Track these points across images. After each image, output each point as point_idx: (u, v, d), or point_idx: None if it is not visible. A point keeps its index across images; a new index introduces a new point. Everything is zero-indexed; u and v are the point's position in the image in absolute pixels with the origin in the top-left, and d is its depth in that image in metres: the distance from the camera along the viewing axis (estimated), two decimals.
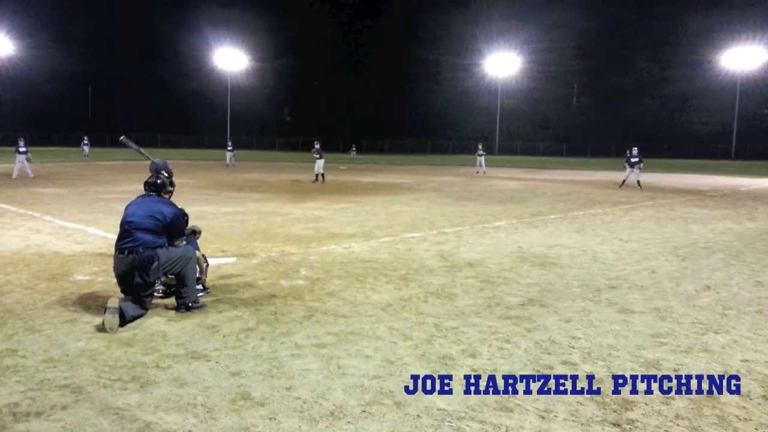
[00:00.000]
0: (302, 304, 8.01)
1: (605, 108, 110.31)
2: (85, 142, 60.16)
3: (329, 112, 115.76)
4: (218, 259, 10.75)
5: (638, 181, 30.57)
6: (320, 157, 31.68)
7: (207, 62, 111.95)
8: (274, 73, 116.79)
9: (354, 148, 75.05)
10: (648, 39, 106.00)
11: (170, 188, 7.90)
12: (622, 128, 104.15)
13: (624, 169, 32.20)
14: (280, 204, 20.58)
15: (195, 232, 8.55)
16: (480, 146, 46.60)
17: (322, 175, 31.46)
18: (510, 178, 39.44)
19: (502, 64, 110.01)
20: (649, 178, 40.81)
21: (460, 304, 8.10)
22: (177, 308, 7.54)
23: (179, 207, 7.74)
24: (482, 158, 45.63)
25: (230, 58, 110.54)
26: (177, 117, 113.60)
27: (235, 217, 17.04)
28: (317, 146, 31.96)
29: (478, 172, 44.55)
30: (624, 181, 31.49)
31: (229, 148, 49.44)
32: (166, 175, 7.82)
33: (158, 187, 7.70)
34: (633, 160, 30.92)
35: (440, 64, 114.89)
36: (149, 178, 7.76)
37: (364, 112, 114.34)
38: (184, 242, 7.84)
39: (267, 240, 13.10)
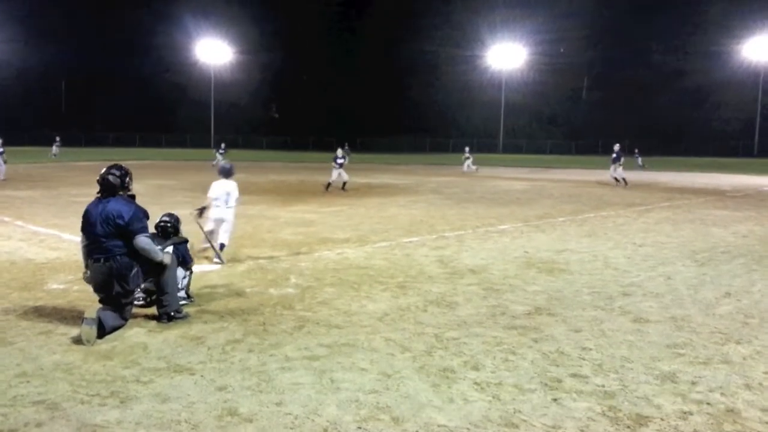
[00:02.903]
0: (292, 313, 8.04)
1: (618, 103, 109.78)
2: (57, 142, 60.52)
3: (320, 108, 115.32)
4: (202, 266, 10.78)
5: (623, 179, 32.81)
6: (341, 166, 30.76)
7: (188, 55, 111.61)
8: (261, 67, 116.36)
9: (347, 147, 75.04)
10: (664, 28, 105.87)
11: (126, 186, 7.57)
12: (636, 124, 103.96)
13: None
14: (267, 207, 20.60)
15: (187, 241, 8.62)
16: (467, 149, 47.42)
17: (333, 182, 30.08)
18: (515, 179, 39.50)
19: (507, 55, 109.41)
20: (666, 177, 40.95)
21: (462, 314, 8.14)
22: (158, 318, 7.57)
23: (139, 206, 7.47)
24: (469, 160, 46.79)
25: (213, 51, 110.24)
26: (157, 114, 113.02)
27: None
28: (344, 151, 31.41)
29: (477, 170, 45.26)
30: (623, 178, 33.25)
31: (222, 150, 49.36)
32: (117, 173, 7.50)
33: (110, 187, 7.42)
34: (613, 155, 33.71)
35: (439, 56, 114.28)
36: (99, 177, 7.50)
37: (357, 108, 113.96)
38: (169, 249, 7.89)
39: (254, 245, 13.13)
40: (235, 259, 11.58)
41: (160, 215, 8.67)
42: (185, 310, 7.85)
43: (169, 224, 8.55)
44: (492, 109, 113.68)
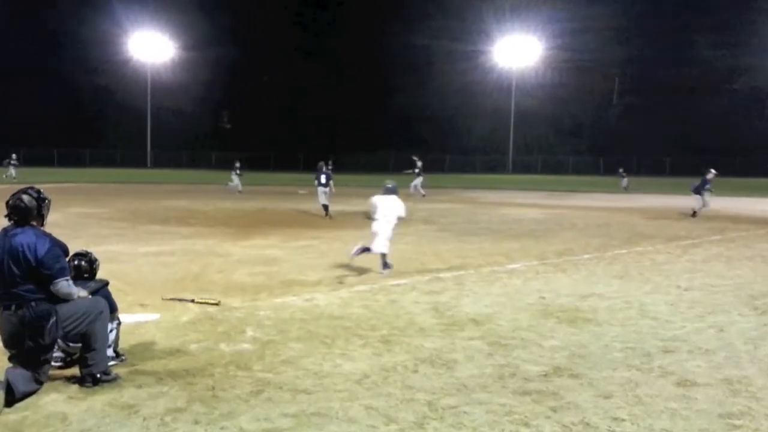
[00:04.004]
0: (249, 375, 8.04)
1: (657, 110, 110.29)
2: (13, 160, 60.24)
3: (283, 118, 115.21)
4: (136, 315, 10.75)
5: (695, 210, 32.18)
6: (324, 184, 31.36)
7: (119, 51, 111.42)
8: (210, 66, 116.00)
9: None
10: (714, 16, 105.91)
11: (42, 215, 7.51)
12: (680, 137, 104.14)
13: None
14: (218, 241, 20.58)
15: (108, 283, 8.56)
16: (418, 163, 45.99)
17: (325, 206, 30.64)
18: (528, 205, 39.60)
19: (517, 51, 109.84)
20: (715, 203, 41.01)
21: (462, 375, 8.16)
22: (81, 381, 7.53)
23: (56, 240, 7.44)
24: (420, 179, 45.67)
25: (150, 46, 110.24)
26: (79, 125, 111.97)
27: (158, 258, 17.05)
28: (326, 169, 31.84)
29: (424, 195, 44.55)
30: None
31: (237, 172, 49.46)
32: (35, 194, 7.41)
33: (22, 212, 7.31)
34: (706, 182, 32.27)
35: (434, 52, 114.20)
36: (9, 199, 7.36)
37: (331, 117, 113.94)
38: (89, 294, 7.84)
39: (201, 290, 13.10)
40: (177, 307, 11.56)
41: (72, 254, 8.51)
42: (114, 371, 7.82)
43: (83, 264, 8.49)
44: (499, 118, 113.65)
